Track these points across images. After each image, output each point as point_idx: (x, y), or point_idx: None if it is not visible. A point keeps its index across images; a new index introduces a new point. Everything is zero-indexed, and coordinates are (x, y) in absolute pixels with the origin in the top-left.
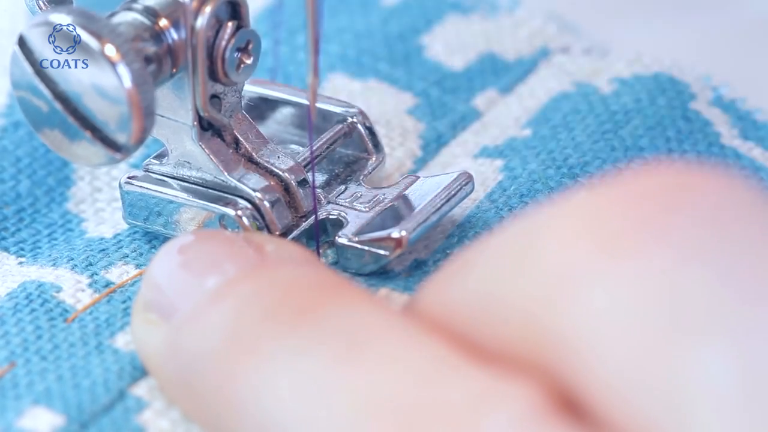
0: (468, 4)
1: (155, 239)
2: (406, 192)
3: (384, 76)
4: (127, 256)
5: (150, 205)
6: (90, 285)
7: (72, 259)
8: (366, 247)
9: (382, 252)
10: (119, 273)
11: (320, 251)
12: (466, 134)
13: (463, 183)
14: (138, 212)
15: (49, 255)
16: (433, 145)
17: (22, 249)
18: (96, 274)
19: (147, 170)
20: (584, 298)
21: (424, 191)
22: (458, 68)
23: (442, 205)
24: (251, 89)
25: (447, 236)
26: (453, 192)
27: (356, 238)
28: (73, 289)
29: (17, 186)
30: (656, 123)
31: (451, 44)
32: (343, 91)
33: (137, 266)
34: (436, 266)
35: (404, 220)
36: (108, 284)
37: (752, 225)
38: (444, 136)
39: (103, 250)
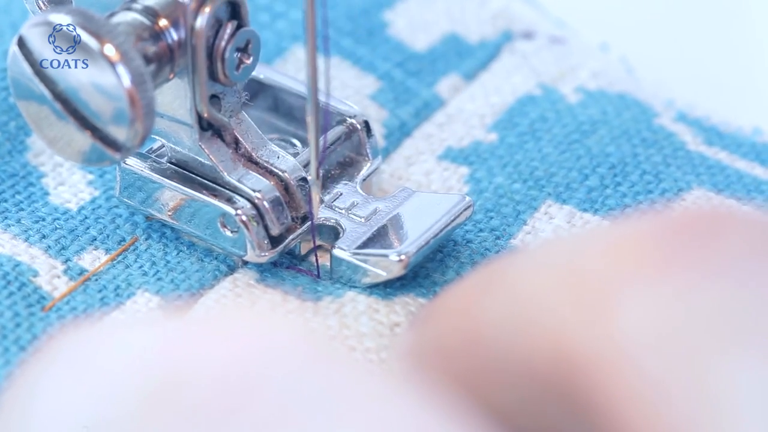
0: None
1: (118, 217)
2: (404, 207)
3: (347, 54)
4: (96, 239)
5: (147, 189)
6: (65, 272)
7: (44, 237)
8: (364, 264)
9: (379, 271)
10: (91, 259)
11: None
12: (429, 126)
13: (463, 209)
14: (132, 193)
15: (19, 221)
16: (396, 134)
17: None
18: (70, 260)
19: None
20: (621, 311)
21: (423, 209)
22: (421, 49)
23: (442, 230)
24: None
25: None
26: (453, 217)
27: (355, 254)
28: (49, 276)
29: None
30: (622, 133)
31: (414, 22)
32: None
33: (106, 251)
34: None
35: (404, 241)
36: (82, 272)
37: None
38: (407, 125)
39: (73, 230)
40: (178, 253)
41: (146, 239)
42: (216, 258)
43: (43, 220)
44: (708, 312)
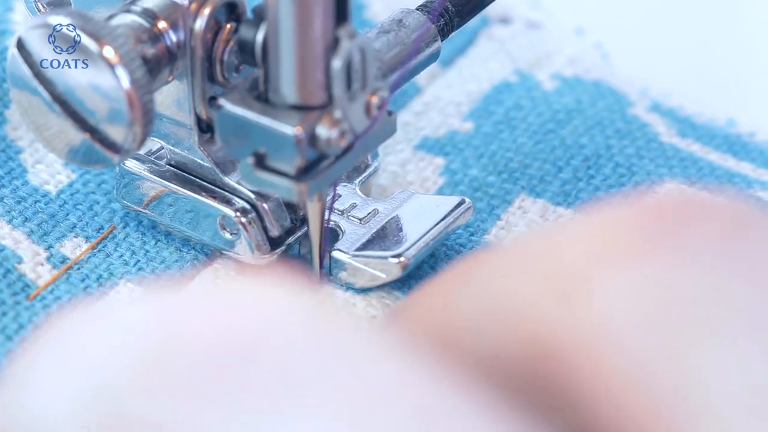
0: None
1: (96, 204)
2: (403, 209)
3: None
4: (75, 226)
5: (146, 191)
6: (48, 259)
7: (27, 220)
8: (363, 267)
9: (378, 273)
10: (72, 247)
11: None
12: (406, 114)
13: (463, 211)
14: (132, 194)
15: (2, 199)
16: None
17: None
18: (52, 247)
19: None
20: (599, 296)
21: (422, 211)
22: None
23: (441, 232)
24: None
25: None
26: (452, 219)
27: (355, 256)
28: (33, 263)
29: None
30: (596, 123)
31: (391, 5)
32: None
33: (86, 239)
34: None
35: (403, 243)
36: (64, 259)
37: (763, 239)
38: None
39: (54, 216)
40: (156, 243)
41: (124, 227)
42: (194, 248)
43: (25, 200)
44: (685, 293)
